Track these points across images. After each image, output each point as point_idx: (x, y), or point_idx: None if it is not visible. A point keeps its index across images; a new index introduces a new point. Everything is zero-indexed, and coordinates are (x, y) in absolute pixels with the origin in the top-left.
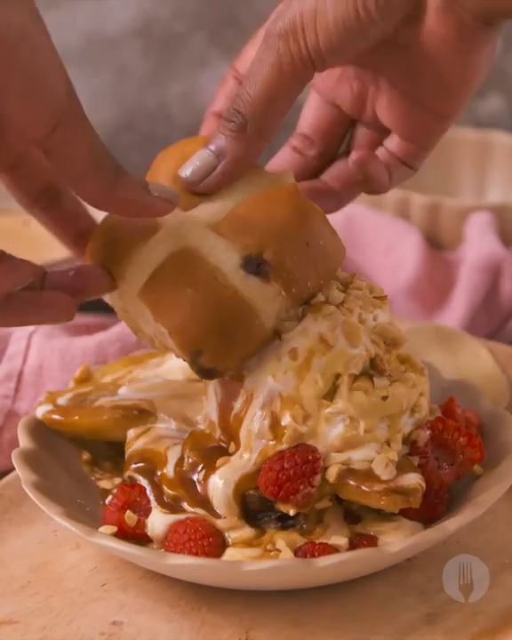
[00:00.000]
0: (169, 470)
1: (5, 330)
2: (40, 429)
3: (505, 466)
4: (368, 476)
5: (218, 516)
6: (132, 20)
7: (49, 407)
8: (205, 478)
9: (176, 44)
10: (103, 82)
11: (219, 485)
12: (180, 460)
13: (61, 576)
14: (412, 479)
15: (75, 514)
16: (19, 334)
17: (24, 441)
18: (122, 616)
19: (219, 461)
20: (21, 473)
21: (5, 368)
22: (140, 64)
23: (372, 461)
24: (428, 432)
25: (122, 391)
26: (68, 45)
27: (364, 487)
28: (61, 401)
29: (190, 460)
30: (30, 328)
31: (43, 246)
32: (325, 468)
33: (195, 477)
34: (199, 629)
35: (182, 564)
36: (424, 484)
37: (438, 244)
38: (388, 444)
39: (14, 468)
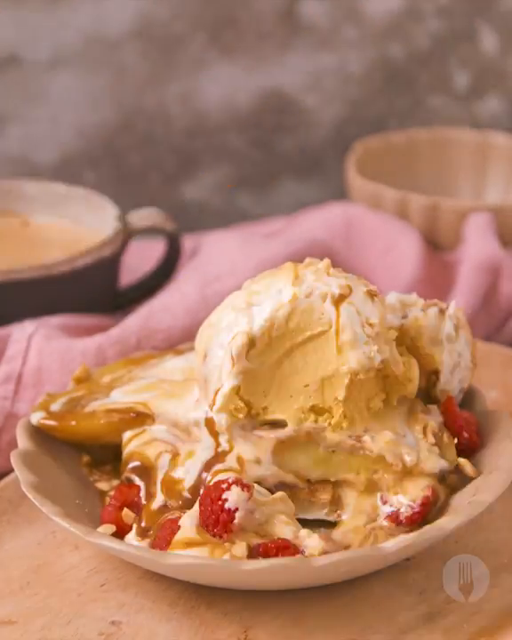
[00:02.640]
0: (154, 506)
1: (4, 331)
2: (39, 431)
3: (502, 465)
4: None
5: None
6: (131, 21)
7: (42, 414)
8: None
9: (175, 45)
10: (102, 83)
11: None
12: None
13: (60, 576)
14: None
15: (73, 514)
16: (18, 336)
17: (23, 442)
18: (121, 616)
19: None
20: (20, 474)
21: (5, 369)
22: (140, 65)
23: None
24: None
25: (114, 394)
26: (68, 46)
27: None
28: (55, 407)
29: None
30: (30, 329)
31: (43, 247)
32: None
33: None
34: (198, 629)
35: (181, 563)
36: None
37: (437, 245)
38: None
39: (13, 470)
